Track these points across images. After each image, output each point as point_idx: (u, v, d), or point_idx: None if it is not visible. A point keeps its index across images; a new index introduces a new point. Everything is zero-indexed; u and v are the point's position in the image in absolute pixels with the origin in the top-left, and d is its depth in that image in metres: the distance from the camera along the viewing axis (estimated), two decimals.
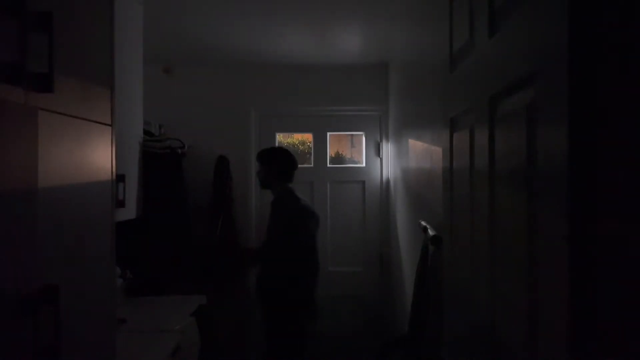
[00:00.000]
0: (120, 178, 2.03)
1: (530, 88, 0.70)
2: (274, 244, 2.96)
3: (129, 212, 2.28)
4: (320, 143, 3.92)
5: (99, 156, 1.30)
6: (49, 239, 1.04)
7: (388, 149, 3.78)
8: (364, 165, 3.93)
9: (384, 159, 3.85)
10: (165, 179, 3.13)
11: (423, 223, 1.80)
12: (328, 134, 3.92)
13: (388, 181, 3.79)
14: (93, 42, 1.31)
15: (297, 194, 2.98)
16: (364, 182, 3.90)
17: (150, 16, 2.53)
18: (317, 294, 2.90)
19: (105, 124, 1.35)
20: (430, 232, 1.63)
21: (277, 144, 3.92)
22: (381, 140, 3.87)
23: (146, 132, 2.98)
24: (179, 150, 3.26)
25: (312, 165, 3.92)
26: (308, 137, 4.10)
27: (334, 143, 4.13)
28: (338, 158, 4.18)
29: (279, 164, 2.96)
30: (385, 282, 3.77)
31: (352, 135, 4.22)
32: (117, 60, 1.43)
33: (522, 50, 0.73)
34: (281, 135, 4.07)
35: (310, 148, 3.98)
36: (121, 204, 2.09)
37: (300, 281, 2.82)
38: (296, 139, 4.58)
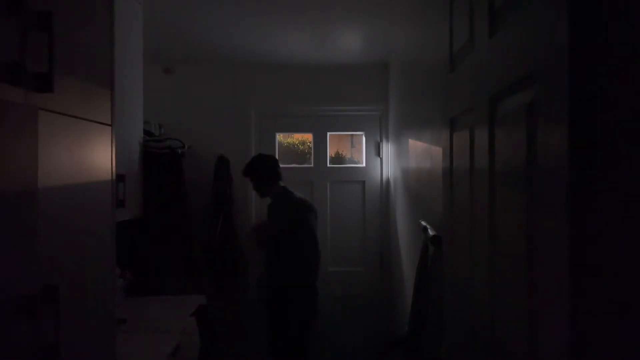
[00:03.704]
0: (120, 178, 2.03)
1: (530, 88, 0.70)
2: (277, 241, 2.96)
3: (129, 212, 2.28)
4: (320, 143, 3.91)
5: (99, 156, 1.30)
6: (49, 239, 1.04)
7: (388, 149, 3.77)
8: (364, 165, 3.93)
9: (384, 159, 3.85)
10: (165, 179, 3.13)
11: (423, 223, 1.80)
12: (328, 134, 3.92)
13: (388, 181, 3.79)
14: (93, 42, 1.31)
15: (291, 190, 3.03)
16: (364, 182, 3.90)
17: (150, 16, 2.53)
18: (318, 288, 2.91)
19: (105, 124, 1.34)
20: (430, 232, 1.63)
21: (277, 144, 3.92)
22: (381, 140, 3.87)
23: (146, 132, 2.98)
24: (179, 150, 3.26)
25: (312, 165, 3.92)
26: (308, 137, 4.10)
27: (334, 143, 4.13)
28: (338, 158, 4.18)
29: (261, 170, 3.04)
30: (385, 282, 3.77)
31: (352, 135, 4.22)
32: (117, 60, 1.43)
33: (522, 50, 0.73)
34: (281, 135, 4.07)
35: (310, 148, 3.98)
36: (121, 204, 2.09)
37: (303, 275, 2.83)
38: (296, 139, 4.58)
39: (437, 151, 1.62)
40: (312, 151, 3.93)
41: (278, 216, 2.99)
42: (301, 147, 4.55)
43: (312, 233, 2.88)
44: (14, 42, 0.90)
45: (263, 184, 3.03)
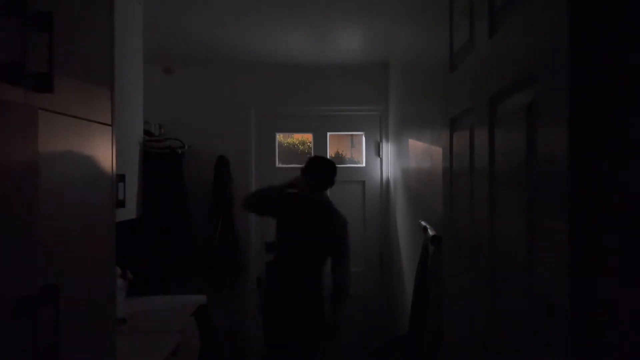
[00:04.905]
0: (120, 178, 2.03)
1: (530, 88, 0.70)
2: (305, 241, 2.89)
3: (129, 212, 2.28)
4: (320, 143, 3.91)
5: (99, 156, 1.30)
6: (49, 239, 1.04)
7: (388, 149, 3.77)
8: (364, 165, 3.93)
9: (384, 159, 3.85)
10: (165, 179, 3.13)
11: (423, 223, 1.80)
12: (328, 134, 3.92)
13: (388, 181, 3.78)
14: (93, 42, 1.30)
15: (329, 199, 3.02)
16: (364, 182, 3.90)
17: (150, 16, 2.53)
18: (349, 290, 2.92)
19: (105, 124, 1.34)
20: (430, 232, 1.63)
21: (277, 144, 3.92)
22: (381, 140, 3.87)
23: (146, 132, 2.98)
24: (179, 150, 3.26)
25: None
26: (308, 137, 4.10)
27: (334, 143, 4.13)
28: (338, 158, 4.17)
29: (328, 176, 2.94)
30: (385, 282, 3.77)
31: (352, 135, 4.22)
32: (117, 60, 1.43)
33: (522, 50, 0.73)
34: (281, 135, 4.07)
35: (310, 148, 3.98)
36: (121, 204, 2.09)
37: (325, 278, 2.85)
38: (296, 139, 4.57)
39: (437, 151, 1.62)
40: (312, 151, 3.93)
41: (318, 222, 2.89)
42: (301, 147, 4.54)
43: (349, 268, 2.89)
44: (14, 42, 0.90)
45: (322, 184, 2.92)
